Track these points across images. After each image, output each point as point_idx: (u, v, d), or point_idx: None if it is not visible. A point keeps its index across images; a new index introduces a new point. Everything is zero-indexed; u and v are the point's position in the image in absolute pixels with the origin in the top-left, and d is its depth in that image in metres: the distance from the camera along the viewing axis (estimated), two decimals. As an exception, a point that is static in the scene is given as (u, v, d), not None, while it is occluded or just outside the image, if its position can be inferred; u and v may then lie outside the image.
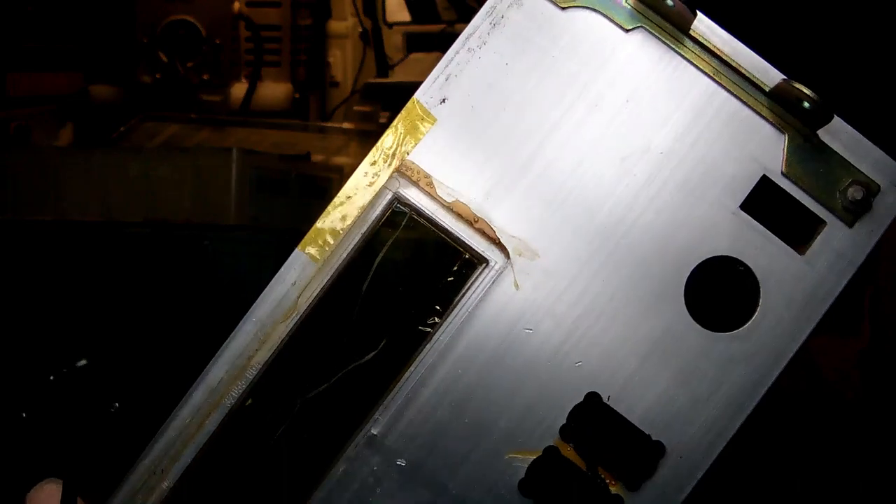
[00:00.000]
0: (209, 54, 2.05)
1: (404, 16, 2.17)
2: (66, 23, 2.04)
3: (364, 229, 0.64)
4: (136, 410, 1.20)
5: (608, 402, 0.63)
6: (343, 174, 1.64)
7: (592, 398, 0.63)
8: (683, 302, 0.64)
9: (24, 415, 1.19)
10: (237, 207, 1.36)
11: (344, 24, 2.19)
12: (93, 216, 1.38)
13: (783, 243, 0.64)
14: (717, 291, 0.65)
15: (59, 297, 1.30)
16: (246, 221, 1.37)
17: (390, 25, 2.16)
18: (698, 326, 0.63)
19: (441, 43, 2.09)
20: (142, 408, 1.19)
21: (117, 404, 1.20)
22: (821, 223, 0.64)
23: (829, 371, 1.34)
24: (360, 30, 2.15)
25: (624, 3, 0.64)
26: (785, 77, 0.63)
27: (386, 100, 1.96)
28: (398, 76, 2.10)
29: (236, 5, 2.05)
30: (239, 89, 2.08)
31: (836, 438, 1.18)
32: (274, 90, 2.13)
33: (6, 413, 1.20)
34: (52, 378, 1.25)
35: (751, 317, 0.64)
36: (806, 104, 0.61)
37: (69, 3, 2.05)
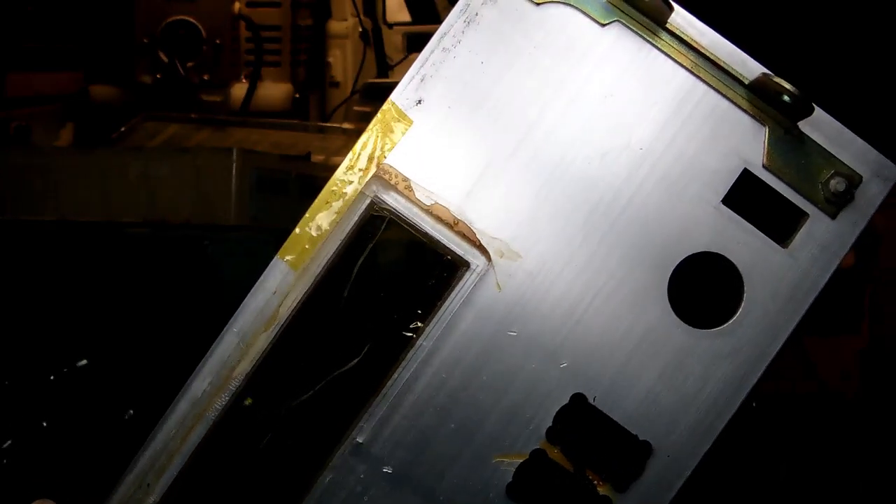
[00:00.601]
0: (209, 54, 2.03)
1: (404, 16, 2.15)
2: (66, 23, 2.02)
3: (342, 235, 0.62)
4: (136, 411, 1.20)
5: (594, 403, 0.61)
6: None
7: (578, 399, 0.61)
8: (667, 299, 0.62)
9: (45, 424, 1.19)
10: (237, 207, 1.35)
11: (344, 24, 2.17)
12: (93, 216, 1.38)
13: (766, 237, 0.62)
14: (701, 288, 0.63)
15: (60, 297, 1.29)
16: (246, 221, 1.36)
17: (390, 25, 2.14)
18: (683, 324, 0.62)
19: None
20: (142, 408, 1.19)
21: (132, 411, 1.19)
22: (803, 215, 0.62)
23: (829, 371, 1.33)
24: (360, 30, 2.13)
25: (599, -2, 0.62)
26: (765, 71, 0.61)
27: (386, 100, 1.94)
28: (398, 76, 2.08)
29: (236, 5, 2.03)
30: (239, 89, 2.06)
31: (836, 438, 1.17)
32: (274, 90, 2.11)
33: (6, 414, 1.19)
34: (52, 378, 1.24)
35: (735, 312, 0.62)
36: (786, 98, 0.59)
37: (69, 3, 2.04)
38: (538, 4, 0.62)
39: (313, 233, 0.62)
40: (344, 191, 0.62)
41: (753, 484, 1.01)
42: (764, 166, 0.62)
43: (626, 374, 0.62)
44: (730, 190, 0.62)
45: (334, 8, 2.19)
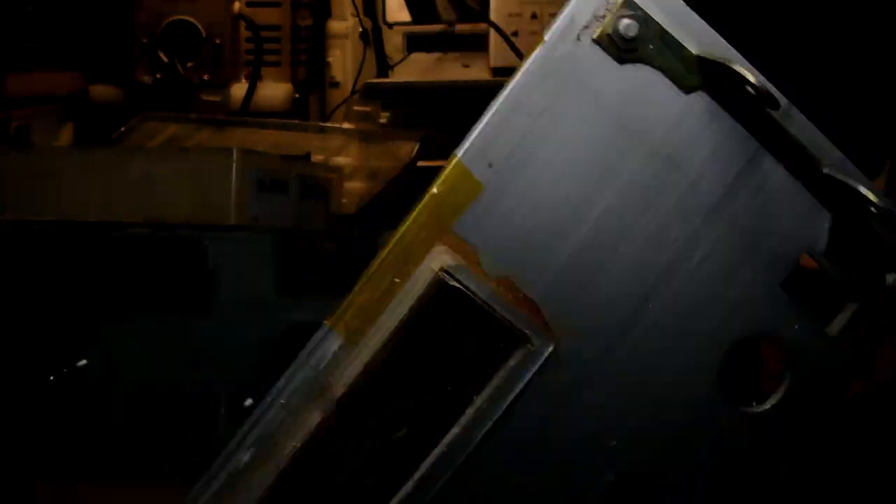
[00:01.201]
0: (209, 54, 1.99)
1: (404, 16, 2.12)
2: (66, 23, 1.99)
3: (404, 309, 0.57)
4: (134, 410, 1.19)
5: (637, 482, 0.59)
6: (342, 174, 1.62)
7: (622, 479, 0.59)
8: (716, 381, 0.59)
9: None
10: (237, 207, 1.33)
11: (344, 24, 2.13)
12: (93, 216, 1.36)
13: (816, 322, 0.60)
14: (748, 372, 0.61)
15: (59, 297, 1.28)
16: (246, 221, 1.34)
17: (390, 25, 2.11)
18: (729, 404, 0.59)
19: (441, 43, 2.07)
20: (140, 407, 1.18)
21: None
22: (855, 305, 0.60)
23: (828, 371, 1.32)
24: (360, 30, 2.12)
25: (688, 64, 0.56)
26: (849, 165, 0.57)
27: (386, 100, 1.93)
28: (398, 76, 2.06)
29: (236, 5, 2.00)
30: (239, 89, 2.01)
31: (835, 438, 1.16)
32: (274, 90, 2.07)
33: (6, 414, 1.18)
34: (52, 378, 1.23)
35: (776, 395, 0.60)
36: (873, 209, 0.54)
37: (69, 3, 2.02)
38: (622, 63, 0.57)
39: (369, 305, 0.57)
40: (405, 260, 0.57)
41: (753, 484, 1.01)
42: (823, 253, 0.59)
43: (673, 453, 0.59)
44: (788, 274, 0.59)
45: (334, 8, 2.16)
